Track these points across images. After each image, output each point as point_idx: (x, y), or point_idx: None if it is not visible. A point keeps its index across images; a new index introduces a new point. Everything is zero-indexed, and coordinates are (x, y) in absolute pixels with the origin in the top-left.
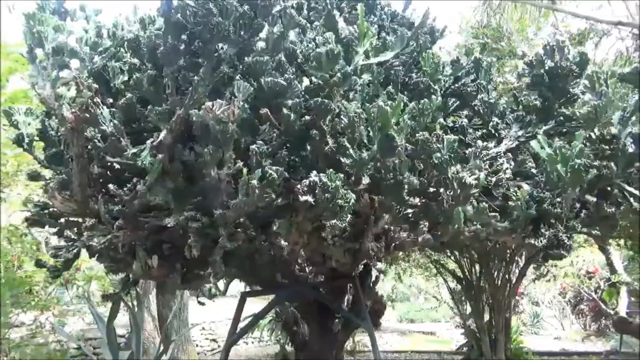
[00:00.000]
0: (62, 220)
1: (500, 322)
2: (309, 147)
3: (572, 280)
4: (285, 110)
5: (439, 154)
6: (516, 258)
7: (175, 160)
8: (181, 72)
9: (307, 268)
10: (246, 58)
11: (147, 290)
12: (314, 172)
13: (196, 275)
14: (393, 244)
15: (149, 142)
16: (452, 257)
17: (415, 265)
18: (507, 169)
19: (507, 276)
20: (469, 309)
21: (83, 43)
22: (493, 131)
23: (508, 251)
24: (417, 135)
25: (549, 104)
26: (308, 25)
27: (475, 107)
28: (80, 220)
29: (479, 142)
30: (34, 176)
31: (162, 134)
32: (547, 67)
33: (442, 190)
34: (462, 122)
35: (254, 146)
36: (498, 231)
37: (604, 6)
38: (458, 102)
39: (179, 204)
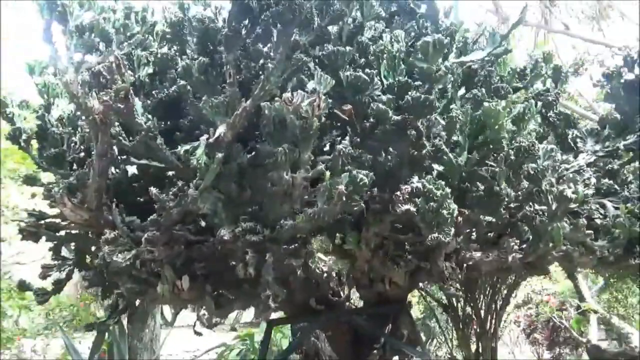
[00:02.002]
0: (62, 232)
1: (487, 351)
2: (385, 152)
3: (528, 309)
4: (380, 106)
5: (533, 164)
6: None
7: (231, 162)
8: (240, 60)
9: (341, 292)
10: (315, 48)
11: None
12: (416, 177)
13: (227, 299)
14: (465, 265)
15: (203, 138)
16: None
17: None
18: (593, 184)
19: (493, 304)
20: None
21: (110, 25)
22: (572, 144)
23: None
24: (514, 142)
25: (626, 117)
26: (378, 22)
27: (550, 118)
28: (81, 232)
29: (558, 155)
30: (30, 179)
31: (221, 130)
32: (623, 80)
33: (524, 204)
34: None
35: (339, 146)
36: (592, 251)
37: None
38: None
39: (231, 213)
